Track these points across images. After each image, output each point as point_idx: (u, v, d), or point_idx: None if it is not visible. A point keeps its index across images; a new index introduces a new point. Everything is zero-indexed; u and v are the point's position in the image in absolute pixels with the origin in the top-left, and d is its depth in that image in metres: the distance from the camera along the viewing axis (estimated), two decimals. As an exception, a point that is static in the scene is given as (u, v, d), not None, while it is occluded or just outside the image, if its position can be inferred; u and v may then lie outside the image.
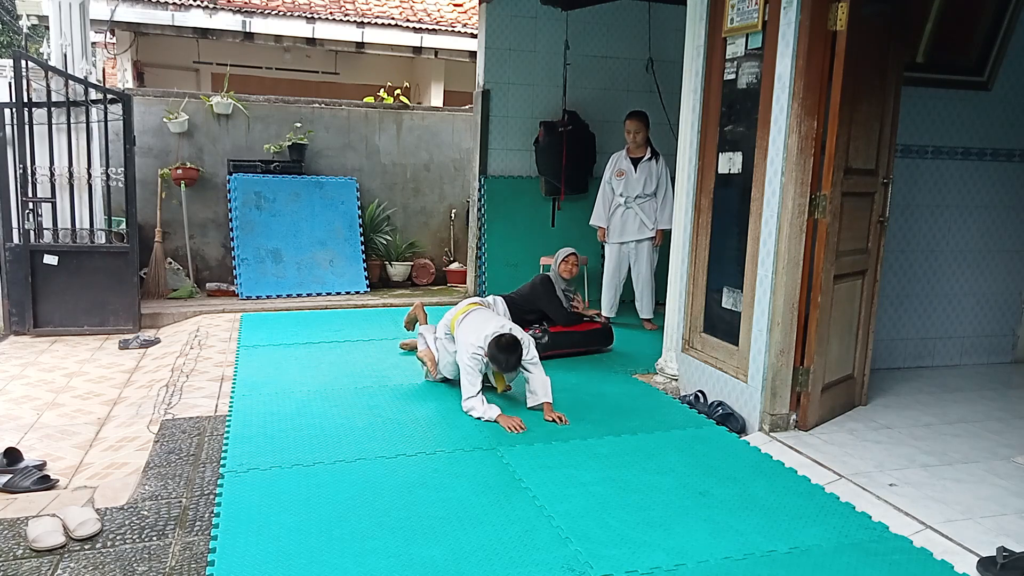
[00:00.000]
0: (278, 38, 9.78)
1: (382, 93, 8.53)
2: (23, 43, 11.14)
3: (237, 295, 6.97)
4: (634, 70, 7.00)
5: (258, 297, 6.94)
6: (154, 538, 2.56)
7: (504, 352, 3.71)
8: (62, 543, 2.48)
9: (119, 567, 2.37)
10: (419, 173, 8.20)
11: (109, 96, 5.97)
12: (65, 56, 5.89)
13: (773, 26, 3.51)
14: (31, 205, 5.78)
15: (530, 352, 3.84)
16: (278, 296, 7.01)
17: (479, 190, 6.92)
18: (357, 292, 7.34)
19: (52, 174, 5.84)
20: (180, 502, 2.83)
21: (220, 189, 7.45)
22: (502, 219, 6.96)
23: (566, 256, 5.20)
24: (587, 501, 2.85)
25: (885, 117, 3.79)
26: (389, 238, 7.90)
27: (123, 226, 6.05)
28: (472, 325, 3.94)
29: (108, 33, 9.63)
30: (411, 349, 4.95)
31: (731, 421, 3.70)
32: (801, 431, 3.64)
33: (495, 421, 3.67)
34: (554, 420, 3.72)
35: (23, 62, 5.66)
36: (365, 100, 8.25)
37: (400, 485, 2.96)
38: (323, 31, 9.80)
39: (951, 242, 4.83)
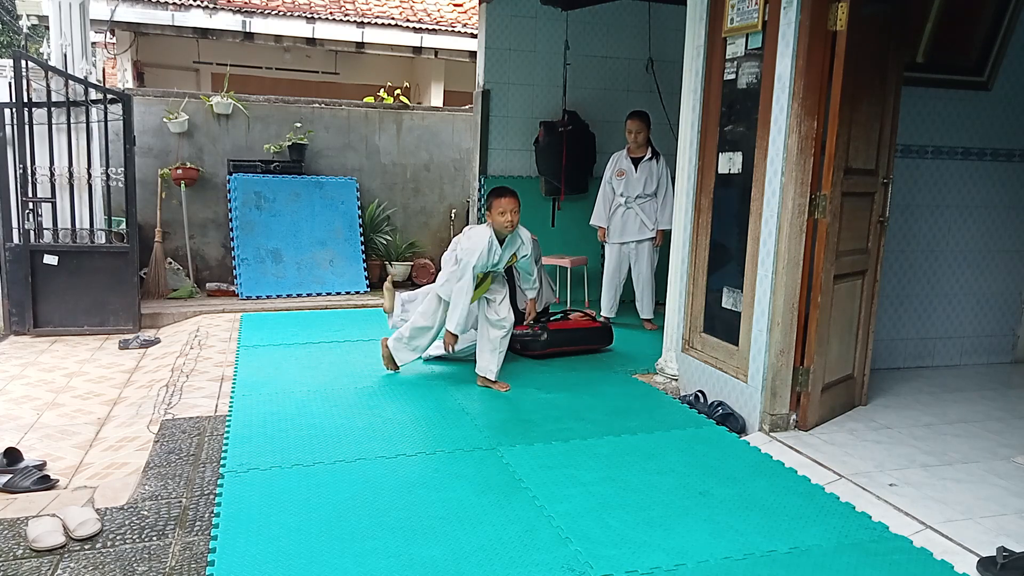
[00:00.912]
0: (278, 38, 9.78)
1: (382, 93, 8.53)
2: (23, 43, 11.14)
3: (237, 295, 6.97)
4: (634, 70, 7.00)
5: (258, 297, 6.94)
6: (154, 538, 2.56)
7: (499, 188, 4.13)
8: (62, 543, 2.48)
9: (119, 567, 2.37)
10: (419, 173, 8.21)
11: (109, 96, 5.97)
12: (65, 56, 5.89)
13: (773, 26, 3.51)
14: (31, 205, 5.78)
15: (531, 249, 4.32)
16: (278, 296, 7.01)
17: (479, 190, 6.91)
18: (357, 292, 7.34)
19: (52, 174, 5.84)
20: (180, 502, 2.83)
21: (220, 189, 7.45)
22: (502, 219, 6.96)
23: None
24: (587, 501, 2.85)
25: (885, 117, 3.79)
26: (389, 238, 7.90)
27: (123, 226, 6.05)
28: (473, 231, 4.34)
29: (108, 33, 9.63)
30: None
31: (731, 421, 3.70)
32: (801, 431, 3.64)
33: (449, 331, 4.17)
34: (527, 313, 4.53)
35: (23, 62, 5.66)
36: (365, 100, 8.25)
37: (400, 485, 2.96)
38: (323, 31, 9.80)
39: (951, 242, 4.83)
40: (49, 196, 5.83)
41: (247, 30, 9.50)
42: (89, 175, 5.95)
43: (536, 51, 6.79)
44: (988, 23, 4.57)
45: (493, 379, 4.23)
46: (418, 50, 10.29)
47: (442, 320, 4.29)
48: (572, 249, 6.74)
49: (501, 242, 4.16)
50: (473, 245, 4.11)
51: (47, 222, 5.85)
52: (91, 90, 5.88)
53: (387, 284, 4.85)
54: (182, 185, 7.20)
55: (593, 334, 5.08)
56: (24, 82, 5.66)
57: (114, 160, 6.02)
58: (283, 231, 7.29)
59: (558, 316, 5.15)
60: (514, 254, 4.23)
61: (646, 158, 5.71)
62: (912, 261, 4.76)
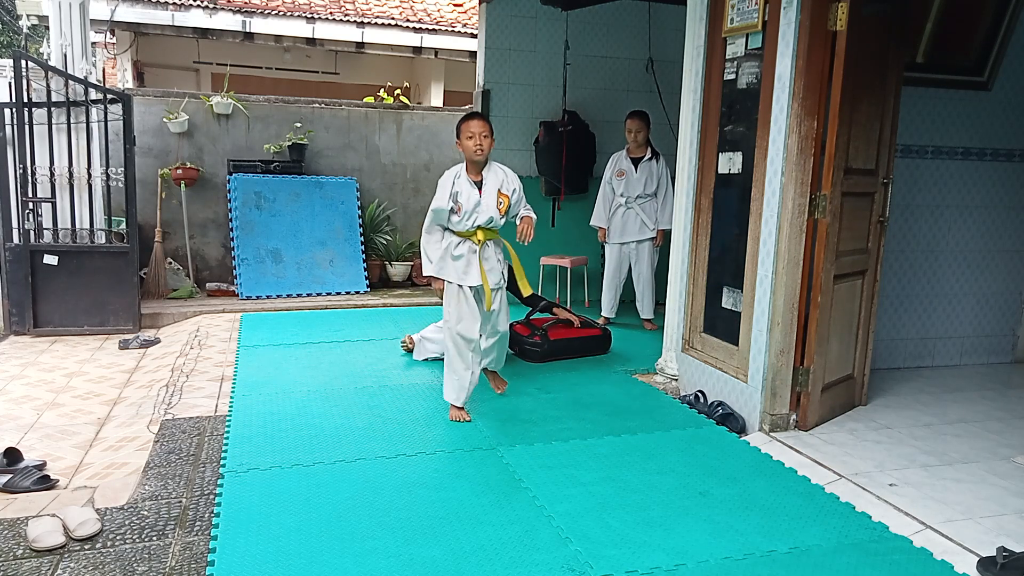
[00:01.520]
0: (278, 38, 9.79)
1: (382, 93, 8.53)
2: (23, 43, 11.14)
3: (237, 295, 6.97)
4: (634, 70, 7.00)
5: (258, 297, 6.94)
6: (154, 538, 2.56)
7: (467, 113, 3.86)
8: (62, 543, 2.48)
9: (119, 567, 2.37)
10: (419, 173, 8.20)
11: (109, 96, 5.97)
12: (65, 56, 5.89)
13: (773, 26, 3.51)
14: (31, 205, 5.77)
15: (517, 182, 3.97)
16: (278, 296, 7.01)
17: (479, 190, 6.91)
18: (357, 292, 7.34)
19: (52, 174, 5.83)
20: (180, 502, 2.83)
21: (220, 189, 7.45)
22: (502, 219, 6.96)
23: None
24: (587, 501, 2.85)
25: (885, 117, 3.79)
26: (389, 238, 7.90)
27: (123, 226, 6.05)
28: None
29: (108, 33, 9.64)
30: (409, 350, 4.98)
31: (731, 421, 3.70)
32: (801, 431, 3.64)
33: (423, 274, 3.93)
34: (522, 231, 3.95)
35: (23, 62, 5.66)
36: (365, 100, 8.25)
37: (400, 485, 2.96)
38: (323, 31, 9.81)
39: (951, 242, 4.83)
40: (49, 196, 5.83)
41: (247, 30, 9.50)
42: (89, 175, 5.94)
43: (536, 51, 6.79)
44: (988, 23, 4.57)
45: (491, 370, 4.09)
46: (418, 50, 10.29)
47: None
48: (572, 249, 6.74)
49: (479, 178, 3.84)
50: (441, 180, 3.91)
51: (47, 222, 5.84)
52: (91, 90, 5.88)
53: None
54: (182, 185, 7.20)
55: (592, 342, 5.07)
56: (24, 82, 5.66)
57: (114, 160, 6.02)
58: (283, 231, 7.29)
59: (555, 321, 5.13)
60: (500, 191, 3.85)
61: (646, 158, 5.71)
62: (912, 261, 4.77)
